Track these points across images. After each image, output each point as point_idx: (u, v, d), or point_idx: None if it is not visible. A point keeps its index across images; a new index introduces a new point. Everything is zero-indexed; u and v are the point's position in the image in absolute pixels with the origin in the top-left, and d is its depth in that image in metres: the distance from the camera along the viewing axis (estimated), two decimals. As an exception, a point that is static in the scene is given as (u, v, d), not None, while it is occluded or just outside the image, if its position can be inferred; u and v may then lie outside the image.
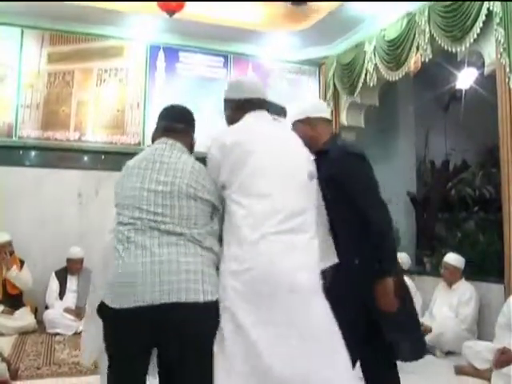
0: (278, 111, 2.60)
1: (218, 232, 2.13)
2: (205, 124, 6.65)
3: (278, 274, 1.96)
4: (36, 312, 5.81)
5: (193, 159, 2.20)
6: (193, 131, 2.37)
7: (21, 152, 6.25)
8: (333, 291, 2.11)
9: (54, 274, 5.74)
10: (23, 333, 5.40)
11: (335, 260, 2.41)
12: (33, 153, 6.33)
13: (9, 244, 5.79)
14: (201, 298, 1.92)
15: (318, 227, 2.22)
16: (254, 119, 2.30)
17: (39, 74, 6.29)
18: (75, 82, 6.43)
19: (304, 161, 2.26)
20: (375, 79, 6.08)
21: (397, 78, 5.80)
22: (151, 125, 6.39)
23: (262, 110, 2.35)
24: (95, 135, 6.44)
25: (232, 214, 2.08)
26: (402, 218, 7.33)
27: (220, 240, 2.12)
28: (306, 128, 2.73)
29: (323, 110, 2.89)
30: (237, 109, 2.36)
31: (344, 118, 7.04)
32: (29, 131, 6.23)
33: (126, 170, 2.21)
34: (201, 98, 6.83)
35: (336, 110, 7.09)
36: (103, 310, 1.98)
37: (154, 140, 2.32)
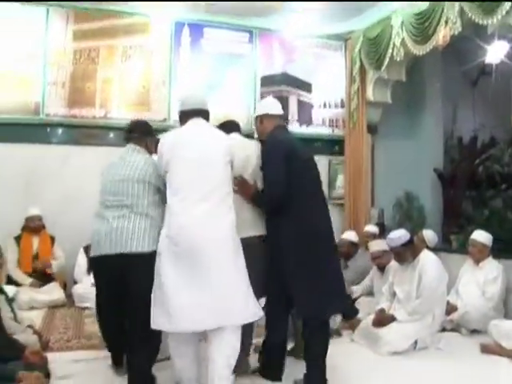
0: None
1: (160, 205, 3.23)
2: (229, 99, 6.72)
3: (193, 237, 2.88)
4: (65, 287, 5.93)
5: (146, 156, 3.43)
6: (146, 137, 3.58)
7: (48, 129, 6.32)
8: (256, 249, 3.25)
9: (82, 250, 5.82)
10: (53, 307, 5.54)
11: (262, 232, 3.42)
12: (59, 130, 6.38)
13: (38, 218, 5.91)
14: (136, 249, 3.10)
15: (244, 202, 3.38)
16: (190, 125, 3.21)
17: (65, 51, 6.32)
18: (100, 59, 6.45)
19: (220, 153, 3.09)
20: (402, 54, 5.96)
21: (424, 53, 5.68)
22: (177, 101, 6.48)
23: (198, 118, 3.23)
24: (121, 112, 6.46)
25: (167, 193, 3.05)
26: (428, 195, 7.26)
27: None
28: (257, 123, 3.65)
29: (268, 108, 3.62)
30: (181, 117, 3.34)
31: (370, 94, 6.95)
32: (55, 109, 6.28)
33: (105, 168, 3.50)
34: (226, 73, 6.82)
35: (362, 85, 6.99)
36: (92, 259, 3.39)
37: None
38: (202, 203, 2.94)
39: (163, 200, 3.17)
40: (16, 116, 6.12)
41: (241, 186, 3.37)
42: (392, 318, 4.26)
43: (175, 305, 2.85)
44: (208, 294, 2.85)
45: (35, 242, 5.89)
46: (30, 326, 3.95)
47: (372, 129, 7.28)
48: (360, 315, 4.70)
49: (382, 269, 4.93)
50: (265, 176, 3.36)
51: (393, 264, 4.70)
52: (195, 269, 2.86)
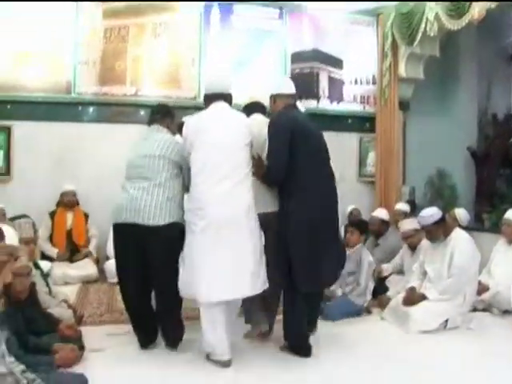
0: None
1: (179, 181, 3.51)
2: (259, 76, 6.67)
3: (216, 213, 3.19)
4: (98, 262, 6.04)
5: (167, 135, 3.64)
6: (167, 118, 3.75)
7: (79, 108, 6.39)
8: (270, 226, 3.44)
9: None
10: (86, 282, 5.65)
11: (274, 208, 3.53)
12: (90, 108, 6.45)
13: (73, 194, 6.03)
14: (154, 222, 3.31)
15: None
16: (213, 108, 3.46)
17: (95, 30, 6.35)
18: (130, 37, 6.46)
19: (240, 136, 3.36)
20: (436, 28, 5.82)
21: (459, 27, 5.54)
22: (205, 79, 6.49)
23: (220, 101, 3.47)
24: (151, 90, 6.48)
25: (191, 173, 3.35)
26: (461, 172, 7.16)
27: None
28: (270, 102, 3.76)
29: (280, 87, 3.74)
30: (205, 100, 3.57)
31: (402, 70, 6.83)
32: (86, 87, 6.33)
33: (131, 145, 3.76)
34: (256, 50, 6.76)
35: (394, 61, 6.87)
36: (113, 225, 3.53)
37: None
38: (222, 183, 3.24)
39: (184, 178, 3.56)
40: (48, 95, 6.20)
41: (256, 164, 3.49)
42: (423, 297, 4.23)
43: (200, 277, 3.18)
44: (228, 267, 3.18)
45: (69, 217, 6.01)
46: (64, 301, 4.05)
47: (404, 105, 7.18)
48: (390, 293, 4.68)
49: (413, 248, 4.88)
50: (267, 152, 3.49)
51: (424, 242, 4.66)
52: (217, 242, 3.19)
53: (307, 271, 3.36)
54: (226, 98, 3.52)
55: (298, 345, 3.50)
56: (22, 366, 2.36)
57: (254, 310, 3.78)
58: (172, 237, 3.37)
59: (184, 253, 3.34)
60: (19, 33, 6.09)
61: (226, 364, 3.26)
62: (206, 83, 3.72)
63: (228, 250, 3.19)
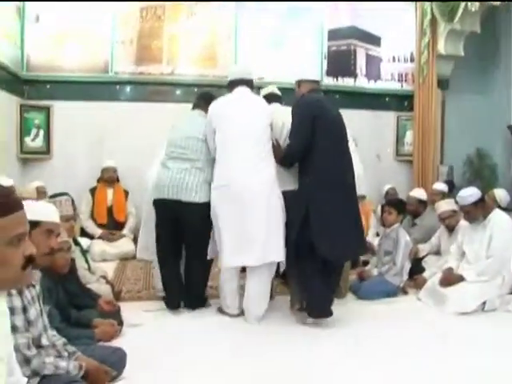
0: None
1: (212, 164, 3.80)
2: (296, 53, 6.61)
3: (240, 187, 3.54)
4: (135, 239, 6.12)
5: (204, 119, 3.89)
6: (209, 105, 3.88)
7: (117, 87, 6.46)
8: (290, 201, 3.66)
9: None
10: (124, 259, 5.76)
11: (295, 187, 3.71)
12: (128, 88, 6.52)
13: (113, 170, 6.14)
14: (193, 199, 3.73)
15: None
16: (236, 92, 3.82)
17: (132, 9, 6.37)
18: (166, 16, 6.47)
19: (261, 116, 3.72)
20: (477, 4, 5.67)
21: (501, 3, 5.36)
22: (243, 56, 6.48)
23: (243, 86, 3.82)
24: (187, 68, 6.50)
25: (217, 150, 3.70)
26: (501, 152, 7.01)
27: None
28: (296, 87, 3.94)
29: (304, 73, 3.99)
30: (229, 85, 3.90)
31: (441, 47, 6.68)
32: (123, 67, 6.40)
33: (173, 125, 4.08)
34: (292, 27, 6.68)
35: (433, 38, 6.72)
36: (154, 200, 3.88)
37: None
38: (246, 159, 3.60)
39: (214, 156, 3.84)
40: (86, 74, 6.29)
41: (274, 149, 3.76)
42: (460, 278, 4.17)
43: (226, 244, 3.62)
44: (251, 236, 3.56)
45: (110, 194, 6.13)
46: (103, 277, 4.14)
47: (443, 83, 7.03)
48: (426, 274, 4.63)
49: (450, 229, 4.81)
50: (291, 130, 3.74)
51: (462, 223, 4.59)
52: (242, 214, 3.56)
53: (332, 241, 3.52)
54: (248, 83, 3.87)
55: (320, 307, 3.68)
56: (64, 339, 2.42)
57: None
58: (205, 214, 3.74)
59: (214, 225, 3.75)
60: (57, 14, 6.16)
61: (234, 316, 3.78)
62: (230, 70, 4.07)
63: (246, 221, 3.56)
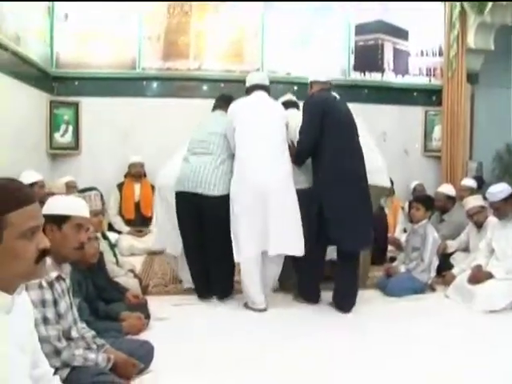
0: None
1: (232, 158, 3.96)
2: (323, 48, 6.58)
3: (259, 181, 3.73)
4: (162, 234, 6.18)
5: (225, 117, 4.08)
6: (225, 104, 4.18)
7: (144, 83, 6.51)
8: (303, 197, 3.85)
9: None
10: (151, 253, 5.81)
11: (307, 185, 3.96)
12: (154, 83, 6.56)
13: (141, 165, 6.20)
14: (212, 193, 3.85)
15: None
16: (254, 95, 4.07)
17: (159, 6, 6.41)
18: (193, 12, 6.49)
19: (278, 117, 3.99)
20: (509, -4, 5.56)
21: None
22: (269, 52, 6.47)
23: (260, 91, 4.08)
24: (214, 64, 6.52)
25: (236, 147, 3.89)
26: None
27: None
28: (309, 88, 4.17)
29: (315, 75, 4.18)
30: (247, 91, 4.16)
31: (471, 40, 6.59)
32: (151, 62, 6.44)
33: (197, 124, 4.29)
34: (319, 22, 6.65)
35: (462, 31, 6.62)
36: (176, 193, 3.99)
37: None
38: (264, 156, 3.81)
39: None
40: (114, 71, 6.35)
41: (290, 149, 3.98)
42: (489, 275, 4.11)
43: (245, 235, 3.76)
44: (270, 228, 3.74)
45: (137, 189, 6.19)
46: (131, 271, 4.18)
47: (472, 77, 6.93)
48: (455, 271, 4.58)
49: (478, 225, 4.74)
50: (300, 127, 3.95)
51: (492, 220, 4.52)
52: (261, 206, 3.73)
53: (345, 233, 3.75)
54: (265, 88, 4.13)
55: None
56: (93, 332, 2.46)
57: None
58: (224, 206, 3.86)
59: (232, 218, 3.86)
60: (85, 12, 6.24)
61: (259, 309, 3.87)
62: (247, 78, 4.27)
63: (265, 214, 3.74)
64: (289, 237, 3.78)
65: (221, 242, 3.91)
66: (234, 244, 3.83)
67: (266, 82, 4.18)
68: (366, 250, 4.22)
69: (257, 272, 3.85)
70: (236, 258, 3.83)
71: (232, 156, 3.98)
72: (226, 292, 4.13)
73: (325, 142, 3.80)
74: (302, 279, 4.09)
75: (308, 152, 3.91)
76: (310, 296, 4.06)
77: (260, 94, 4.08)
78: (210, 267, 4.06)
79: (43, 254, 1.37)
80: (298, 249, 3.81)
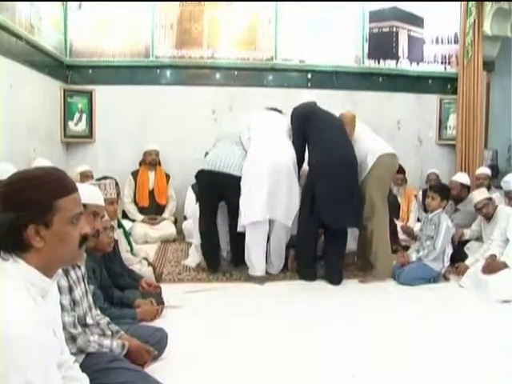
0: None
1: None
2: (337, 35, 6.53)
3: (269, 161, 4.34)
4: (176, 222, 6.22)
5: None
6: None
7: (157, 71, 6.50)
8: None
9: (190, 188, 5.99)
10: (165, 241, 5.85)
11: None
12: (168, 71, 6.55)
13: (156, 153, 6.20)
14: (232, 172, 4.39)
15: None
16: (268, 111, 4.98)
17: (172, -6, 6.39)
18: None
19: (283, 125, 4.77)
20: (526, -18, 5.47)
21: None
22: (283, 40, 6.44)
23: (274, 111, 4.97)
24: (228, 52, 6.49)
25: (251, 140, 4.61)
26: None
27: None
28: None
29: (300, 99, 4.90)
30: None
31: (487, 27, 6.50)
32: (164, 51, 6.43)
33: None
34: (333, 9, 6.58)
35: (479, 17, 6.53)
36: (197, 172, 4.59)
37: None
38: (272, 144, 4.52)
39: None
40: (128, 59, 6.35)
41: None
42: (503, 265, 4.09)
43: (256, 201, 4.30)
44: (277, 199, 4.34)
45: (151, 177, 6.18)
46: (145, 259, 4.22)
47: (488, 65, 6.85)
48: (469, 261, 4.55)
49: (488, 218, 4.68)
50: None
51: (504, 208, 4.48)
52: (262, 181, 4.29)
53: (332, 210, 4.30)
54: (277, 110, 4.99)
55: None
56: (107, 319, 2.49)
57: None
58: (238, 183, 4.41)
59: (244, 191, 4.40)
60: (99, 1, 6.23)
61: (259, 279, 4.36)
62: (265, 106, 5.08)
63: (269, 186, 4.30)
64: (285, 206, 4.39)
65: (237, 211, 4.41)
66: (242, 212, 4.35)
67: (279, 109, 5.01)
68: (350, 227, 4.58)
69: (261, 238, 4.39)
70: (243, 222, 4.33)
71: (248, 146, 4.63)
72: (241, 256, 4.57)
73: (315, 136, 4.52)
74: (299, 255, 4.56)
75: (300, 149, 4.59)
76: (306, 273, 4.46)
77: (272, 111, 4.96)
78: (231, 240, 4.71)
79: (84, 239, 1.46)
80: (288, 218, 4.44)
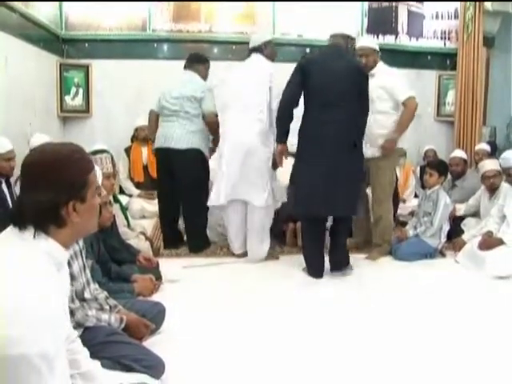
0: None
1: (200, 116, 4.45)
2: (336, 10, 6.44)
3: (235, 138, 4.14)
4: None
5: (196, 79, 4.64)
6: (199, 64, 4.74)
7: (154, 45, 6.43)
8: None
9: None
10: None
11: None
12: (165, 45, 6.48)
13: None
14: (180, 146, 4.33)
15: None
16: (247, 60, 4.35)
17: (169, -35, 6.29)
18: (204, -27, 6.37)
19: (260, 82, 4.12)
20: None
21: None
22: (281, 14, 6.36)
23: (255, 53, 4.30)
24: (225, 26, 6.41)
25: (218, 110, 4.42)
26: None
27: None
28: None
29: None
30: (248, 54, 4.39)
31: (488, 3, 6.43)
32: (161, 24, 6.35)
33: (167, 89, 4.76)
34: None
35: (479, -7, 6.46)
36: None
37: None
38: (241, 116, 4.14)
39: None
40: (124, 32, 6.28)
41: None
42: (500, 242, 4.11)
43: (227, 181, 4.16)
44: (242, 178, 4.13)
45: (144, 152, 6.14)
46: (142, 233, 4.22)
47: (488, 41, 6.79)
48: (465, 237, 4.57)
49: (492, 190, 4.69)
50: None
51: (504, 186, 4.48)
52: (232, 160, 4.13)
53: (298, 196, 3.90)
54: (258, 49, 4.28)
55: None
56: (105, 293, 2.50)
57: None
58: (191, 157, 4.34)
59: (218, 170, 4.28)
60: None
61: (238, 256, 4.36)
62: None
63: (238, 165, 4.11)
64: (253, 187, 4.15)
65: (191, 190, 4.37)
66: (213, 191, 4.27)
67: (257, 44, 4.31)
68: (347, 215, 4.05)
69: (233, 217, 4.33)
70: (214, 202, 4.25)
71: (197, 115, 4.40)
72: (202, 245, 4.53)
73: (306, 110, 3.82)
74: (306, 249, 4.02)
75: (285, 107, 3.84)
76: (313, 268, 3.94)
77: (252, 58, 4.31)
78: (185, 223, 4.58)
79: (99, 209, 1.55)
80: (261, 199, 4.15)
